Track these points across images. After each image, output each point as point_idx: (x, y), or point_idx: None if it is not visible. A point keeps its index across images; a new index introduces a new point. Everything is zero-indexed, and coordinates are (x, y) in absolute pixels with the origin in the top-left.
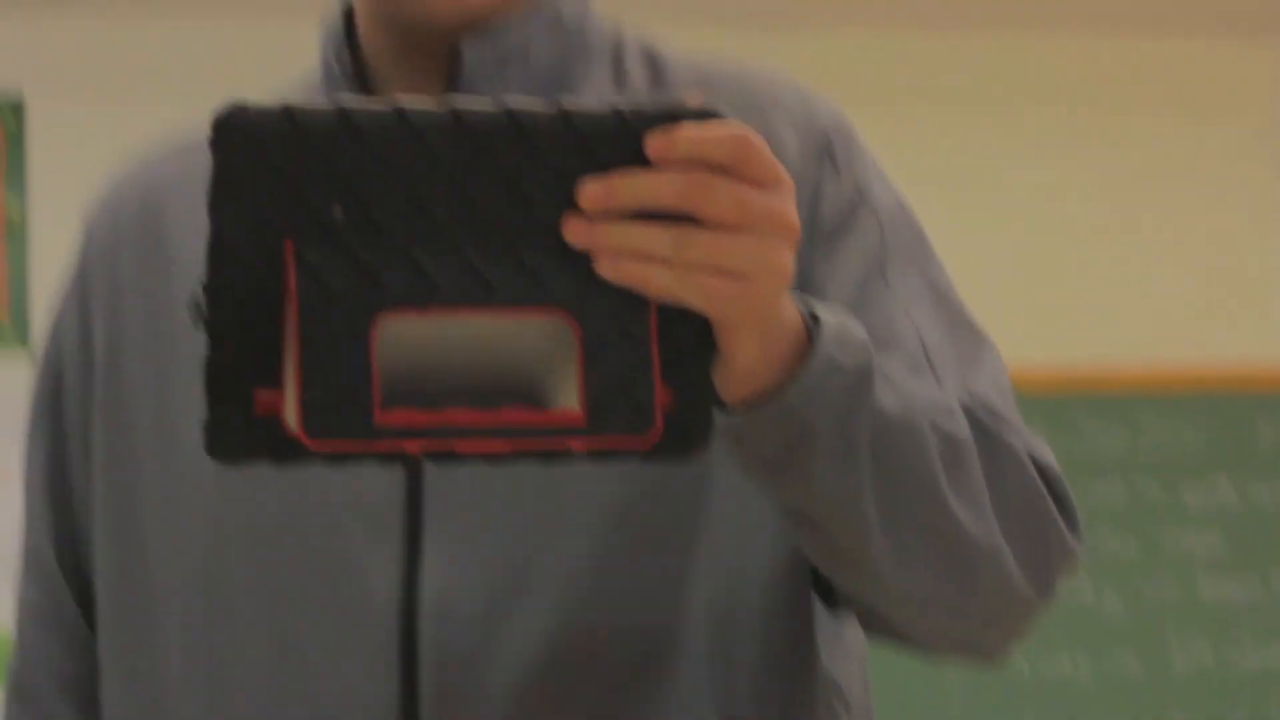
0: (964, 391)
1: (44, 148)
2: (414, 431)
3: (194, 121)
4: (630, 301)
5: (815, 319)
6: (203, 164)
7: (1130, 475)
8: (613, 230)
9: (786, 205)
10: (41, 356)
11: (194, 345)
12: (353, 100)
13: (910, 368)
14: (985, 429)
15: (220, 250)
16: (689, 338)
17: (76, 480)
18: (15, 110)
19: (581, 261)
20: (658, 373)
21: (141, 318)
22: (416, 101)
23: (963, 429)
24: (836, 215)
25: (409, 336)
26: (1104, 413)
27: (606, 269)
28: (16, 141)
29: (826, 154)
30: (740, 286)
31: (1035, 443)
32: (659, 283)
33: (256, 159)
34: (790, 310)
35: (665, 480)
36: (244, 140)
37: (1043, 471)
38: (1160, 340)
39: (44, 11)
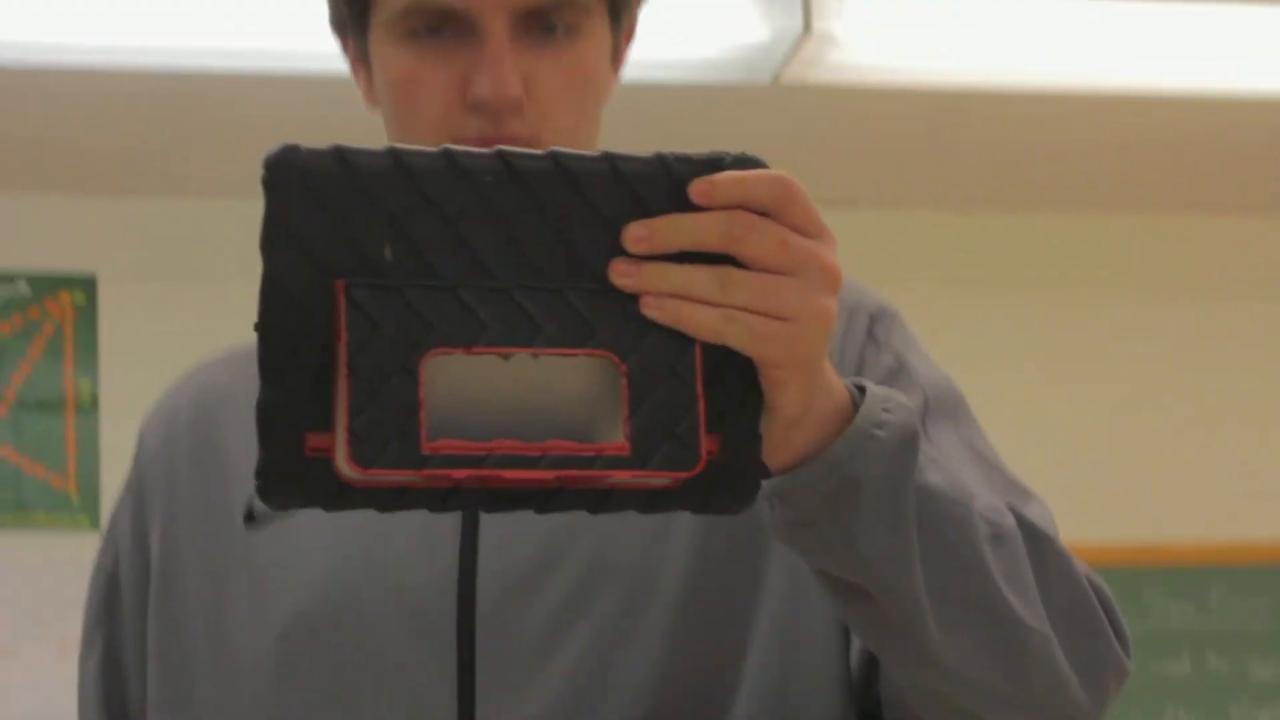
0: (1011, 506)
1: (116, 325)
2: (460, 460)
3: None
4: (675, 342)
5: (860, 388)
6: (250, 368)
7: (1198, 650)
8: (657, 271)
9: (828, 252)
10: (96, 564)
11: (247, 549)
12: (403, 145)
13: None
14: (1033, 533)
15: (272, 290)
16: (735, 386)
17: (131, 689)
18: (87, 288)
19: (627, 303)
20: (703, 412)
21: (196, 522)
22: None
23: (1010, 525)
24: (876, 380)
25: (456, 374)
26: (1171, 587)
27: (652, 309)
28: (89, 319)
29: (869, 333)
30: (784, 328)
31: (1084, 565)
32: (703, 322)
33: (308, 199)
34: (834, 377)
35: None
36: (296, 180)
37: (1094, 586)
38: (1228, 516)
39: (116, 194)
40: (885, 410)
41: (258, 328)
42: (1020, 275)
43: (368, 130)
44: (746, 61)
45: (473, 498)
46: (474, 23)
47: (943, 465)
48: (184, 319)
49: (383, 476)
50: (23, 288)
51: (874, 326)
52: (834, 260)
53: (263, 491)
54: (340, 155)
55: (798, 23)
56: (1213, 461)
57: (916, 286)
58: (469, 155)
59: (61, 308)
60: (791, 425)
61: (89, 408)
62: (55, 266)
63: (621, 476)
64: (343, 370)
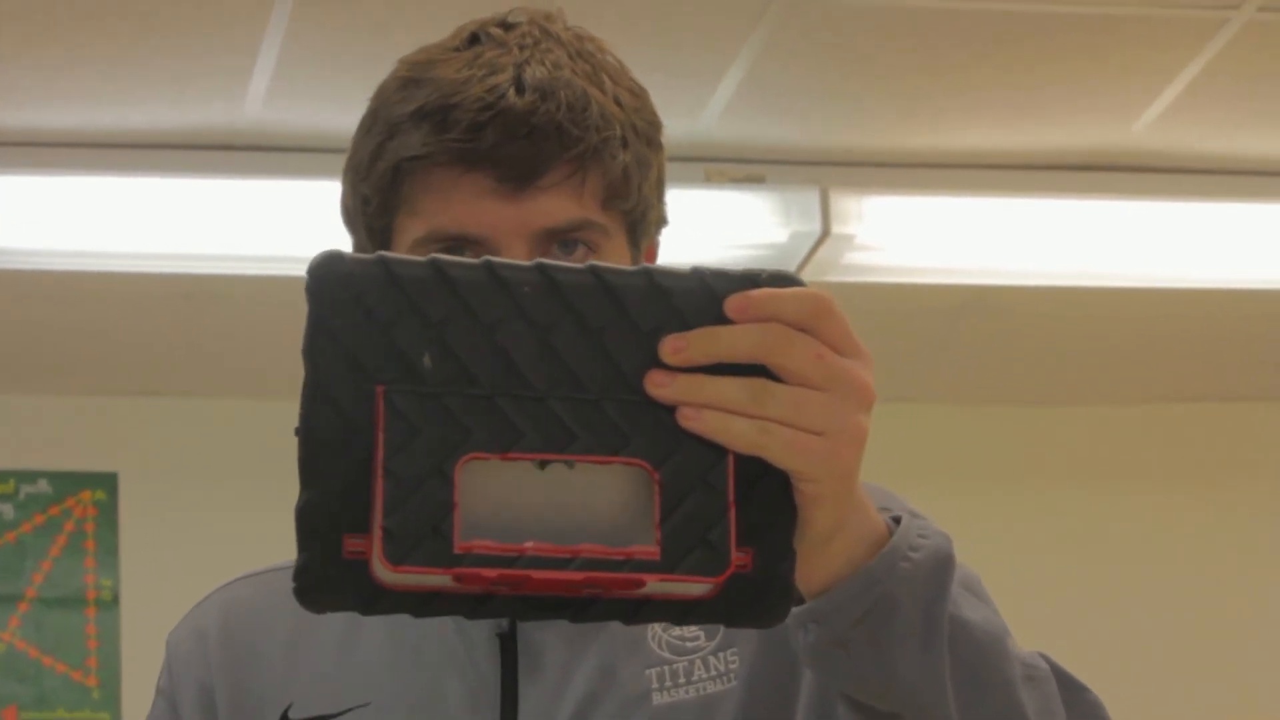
0: (1043, 655)
1: (136, 523)
2: (492, 560)
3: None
4: (709, 452)
5: (896, 519)
6: (284, 586)
7: None
8: (693, 382)
9: (864, 370)
10: None
11: None
12: (445, 256)
13: None
14: (1067, 680)
15: (314, 393)
16: (769, 501)
17: None
18: (108, 486)
19: (662, 414)
20: (734, 520)
21: None
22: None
23: (1044, 669)
24: None
25: (491, 479)
26: None
27: (687, 420)
28: (110, 517)
29: None
30: (819, 442)
31: None
32: (738, 433)
33: (351, 305)
34: (870, 504)
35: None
36: (339, 287)
37: None
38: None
39: (136, 394)
40: (921, 535)
41: (298, 431)
42: (1037, 468)
43: None
44: (766, 261)
45: (507, 606)
46: (492, 248)
47: (976, 603)
48: (203, 516)
49: (415, 575)
50: (44, 486)
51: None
52: (868, 378)
53: (300, 593)
54: (383, 263)
55: (816, 226)
56: (1226, 655)
57: (933, 480)
58: (509, 267)
59: (83, 505)
60: (825, 542)
61: (110, 604)
62: (76, 465)
63: (651, 580)
64: (379, 472)
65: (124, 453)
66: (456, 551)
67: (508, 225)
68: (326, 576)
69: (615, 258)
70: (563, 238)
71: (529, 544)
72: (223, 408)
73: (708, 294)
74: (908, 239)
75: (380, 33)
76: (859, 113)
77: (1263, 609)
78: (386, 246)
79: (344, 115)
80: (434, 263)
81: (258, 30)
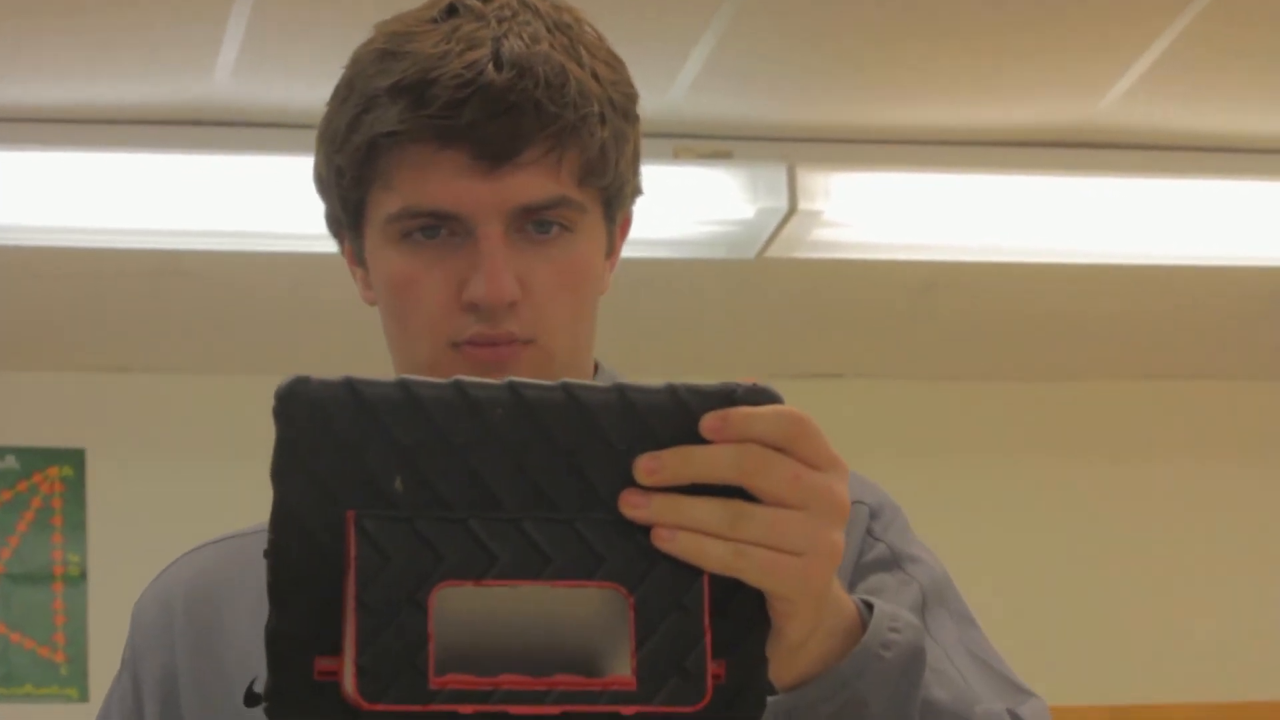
0: (1012, 712)
1: (103, 499)
2: (467, 695)
3: (242, 528)
4: (684, 573)
5: (869, 605)
6: (249, 552)
7: None
8: (668, 503)
9: (839, 486)
10: None
11: None
12: (413, 377)
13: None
14: None
15: (283, 518)
16: (743, 611)
17: None
18: (75, 463)
19: (637, 533)
20: (709, 644)
21: (193, 704)
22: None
23: None
24: (873, 568)
25: (465, 606)
26: None
27: (664, 542)
28: (77, 493)
29: (867, 530)
30: (794, 562)
31: None
32: (714, 555)
33: (319, 430)
34: (842, 593)
35: None
36: (306, 411)
37: None
38: (1202, 677)
39: (103, 370)
40: (893, 630)
41: (267, 554)
42: (1003, 443)
43: (354, 308)
44: (732, 237)
45: None
46: (468, 224)
47: (945, 676)
48: (171, 493)
49: (390, 709)
50: (11, 462)
51: (872, 524)
52: (844, 494)
53: (271, 713)
54: (351, 387)
55: (784, 202)
56: (1189, 623)
57: (898, 456)
58: (479, 386)
59: (50, 482)
60: (798, 648)
61: (77, 580)
62: (44, 441)
63: (627, 712)
64: (351, 603)
65: (91, 429)
66: (431, 687)
67: (484, 202)
68: (298, 698)
69: (591, 234)
70: (539, 215)
71: (504, 677)
72: (190, 384)
73: (682, 411)
74: (875, 215)
75: (350, 2)
76: (827, 89)
77: (1221, 579)
78: (360, 219)
79: (314, 89)
80: (402, 384)
81: (224, 1)
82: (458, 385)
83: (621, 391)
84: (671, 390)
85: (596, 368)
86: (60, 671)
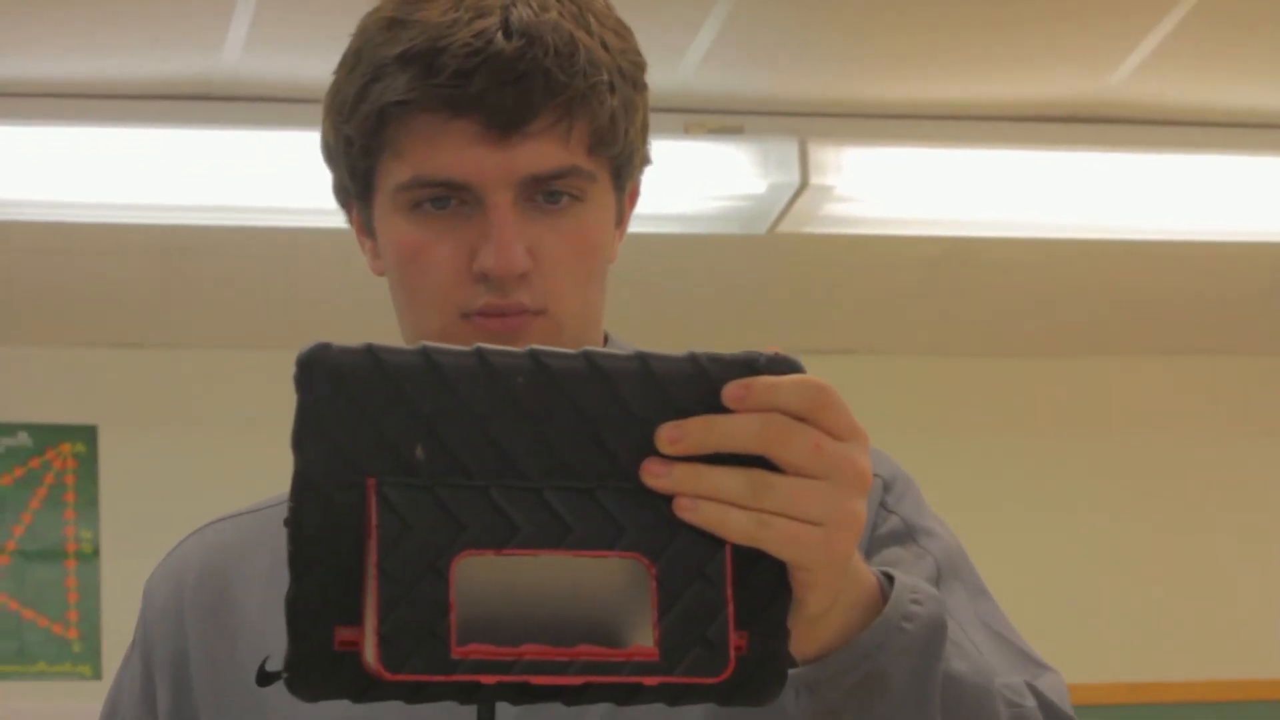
0: (1030, 684)
1: (116, 474)
2: (489, 665)
3: (253, 503)
4: (706, 543)
5: (889, 577)
6: (262, 528)
7: None
8: (690, 472)
9: (861, 456)
10: (101, 718)
11: (259, 709)
12: (435, 344)
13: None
14: (1053, 712)
15: (303, 486)
16: (764, 582)
17: None
18: (87, 438)
19: (659, 502)
20: (732, 614)
21: (205, 680)
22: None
23: (1031, 706)
24: (887, 540)
25: (487, 575)
26: None
27: (686, 511)
28: (89, 469)
29: (881, 503)
30: (816, 533)
31: None
32: (736, 525)
33: (340, 397)
34: (863, 565)
35: None
36: (327, 379)
37: None
38: (1210, 656)
39: (115, 346)
40: (914, 602)
41: (288, 523)
42: (1015, 420)
43: (364, 283)
44: (744, 213)
45: (500, 692)
46: (478, 194)
47: (965, 650)
48: (183, 467)
49: (412, 679)
50: (24, 438)
51: (886, 496)
52: (866, 464)
53: (291, 684)
54: (372, 354)
55: (795, 177)
56: (1206, 600)
57: (910, 432)
58: (501, 354)
59: (62, 458)
60: (819, 619)
61: (90, 556)
62: (56, 418)
63: (650, 683)
64: (373, 571)
65: (104, 405)
66: (454, 657)
67: (494, 171)
68: (318, 668)
69: (601, 203)
70: (549, 185)
71: (526, 647)
72: (202, 359)
73: (703, 379)
74: (886, 190)
75: None
76: (838, 64)
77: (1255, 556)
78: (369, 188)
79: (325, 63)
80: (424, 351)
81: None
82: (479, 353)
83: (643, 360)
84: (693, 359)
85: (606, 339)
86: (73, 649)
